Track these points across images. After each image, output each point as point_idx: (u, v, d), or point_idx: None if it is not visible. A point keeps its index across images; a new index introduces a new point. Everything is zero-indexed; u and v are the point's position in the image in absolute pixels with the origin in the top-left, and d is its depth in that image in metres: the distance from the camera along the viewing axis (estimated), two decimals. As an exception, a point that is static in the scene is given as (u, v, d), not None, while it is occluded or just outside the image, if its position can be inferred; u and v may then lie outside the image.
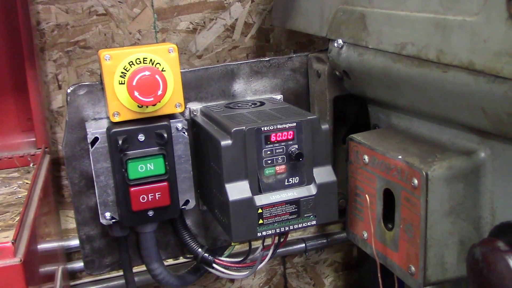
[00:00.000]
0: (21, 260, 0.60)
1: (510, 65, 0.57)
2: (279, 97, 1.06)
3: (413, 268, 0.78)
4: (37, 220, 0.75)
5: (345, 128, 1.12)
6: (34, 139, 1.06)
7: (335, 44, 0.93)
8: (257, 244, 1.00)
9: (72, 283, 1.36)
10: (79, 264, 1.40)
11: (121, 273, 1.40)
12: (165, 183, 0.88)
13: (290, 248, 1.63)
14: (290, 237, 1.67)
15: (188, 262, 1.39)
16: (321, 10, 0.99)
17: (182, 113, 0.95)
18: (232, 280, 1.65)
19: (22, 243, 0.64)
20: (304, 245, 1.64)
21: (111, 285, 1.45)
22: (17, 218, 0.74)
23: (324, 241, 1.67)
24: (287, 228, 0.88)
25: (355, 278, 1.80)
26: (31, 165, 0.99)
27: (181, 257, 1.26)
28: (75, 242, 1.39)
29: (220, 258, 1.00)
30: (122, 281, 1.45)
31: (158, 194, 0.88)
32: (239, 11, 1.46)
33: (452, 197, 0.74)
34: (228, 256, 1.02)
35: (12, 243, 0.61)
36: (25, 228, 0.69)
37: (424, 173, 0.73)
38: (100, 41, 1.35)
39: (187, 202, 0.95)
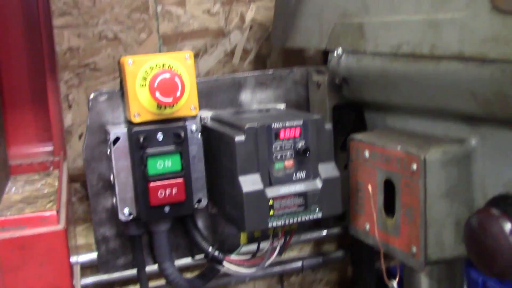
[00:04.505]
0: (64, 227, 0.66)
1: (495, 48, 0.66)
2: (282, 106, 1.14)
3: (414, 249, 0.85)
4: (69, 203, 0.81)
5: (343, 137, 1.20)
6: (51, 148, 1.12)
7: (335, 54, 1.02)
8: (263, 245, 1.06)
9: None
10: (84, 281, 1.44)
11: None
12: (181, 179, 0.95)
13: (288, 266, 1.68)
14: (287, 256, 1.72)
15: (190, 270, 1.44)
16: (320, 25, 1.09)
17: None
18: (232, 294, 1.68)
19: (62, 214, 0.70)
20: (301, 263, 1.69)
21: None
22: (48, 205, 0.79)
23: (320, 259, 1.72)
24: (295, 220, 0.94)
25: (351, 298, 1.84)
26: (50, 169, 1.05)
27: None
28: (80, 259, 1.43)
29: (229, 256, 1.05)
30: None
31: (174, 190, 0.95)
32: (238, 38, 1.56)
33: (448, 180, 0.82)
34: (236, 255, 1.07)
35: (57, 211, 0.66)
36: (61, 204, 0.75)
37: (422, 157, 0.81)
38: (109, 63, 1.44)
39: (199, 200, 1.02)
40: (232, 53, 1.56)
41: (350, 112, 1.17)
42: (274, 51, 1.60)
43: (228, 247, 1.16)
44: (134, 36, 1.45)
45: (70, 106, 1.41)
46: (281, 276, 1.75)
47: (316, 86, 1.13)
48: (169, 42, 1.49)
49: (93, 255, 1.18)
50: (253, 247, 1.07)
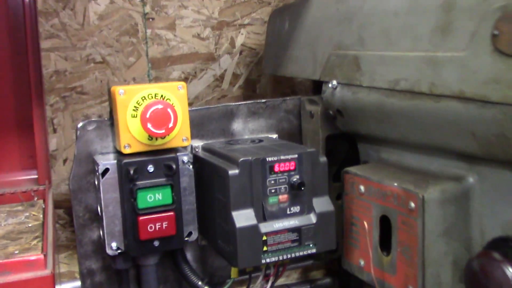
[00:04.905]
0: (51, 272, 0.62)
1: (497, 91, 0.65)
2: (274, 136, 1.12)
3: (411, 289, 0.83)
4: (55, 242, 0.77)
5: (335, 167, 1.18)
6: (36, 176, 1.09)
7: (329, 85, 1.01)
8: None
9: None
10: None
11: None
12: (171, 213, 0.92)
13: (275, 294, 1.65)
14: (274, 283, 1.69)
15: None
16: (314, 56, 1.08)
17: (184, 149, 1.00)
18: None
19: (49, 257, 0.67)
20: (288, 291, 1.66)
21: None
22: (33, 243, 0.76)
23: (308, 287, 1.69)
24: (289, 256, 0.91)
25: (338, 325, 1.81)
26: (35, 199, 1.01)
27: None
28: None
29: (220, 290, 1.03)
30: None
31: (165, 224, 0.92)
32: (228, 63, 1.55)
33: (446, 219, 0.81)
34: (227, 289, 1.04)
35: (44, 255, 0.63)
36: (48, 245, 0.71)
37: (420, 195, 0.80)
38: (96, 87, 1.41)
39: (190, 234, 0.99)
40: (221, 77, 1.55)
41: (343, 142, 1.15)
42: (264, 76, 1.59)
43: (219, 279, 1.14)
44: (122, 59, 1.42)
45: (55, 130, 1.37)
46: (268, 303, 1.71)
47: (309, 116, 1.11)
48: (158, 66, 1.46)
49: (76, 284, 1.13)
50: (244, 277, 1.04)
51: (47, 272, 0.63)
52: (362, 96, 0.93)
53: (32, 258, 0.64)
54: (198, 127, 1.07)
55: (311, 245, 0.93)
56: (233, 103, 1.10)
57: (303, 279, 1.72)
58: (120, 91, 0.90)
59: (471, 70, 0.69)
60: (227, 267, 1.09)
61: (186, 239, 0.98)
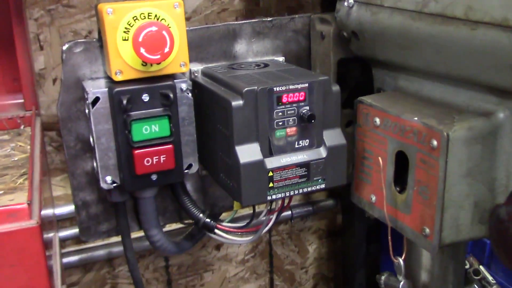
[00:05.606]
0: (37, 222, 0.56)
1: (551, 20, 0.56)
2: (281, 59, 1.03)
3: (427, 230, 0.78)
4: (42, 182, 0.71)
5: (346, 92, 1.10)
6: (22, 100, 1.00)
7: (345, 3, 0.90)
8: (258, 209, 0.99)
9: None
10: (64, 233, 1.37)
11: (104, 242, 1.37)
12: (170, 146, 0.85)
13: (276, 215, 1.62)
14: (276, 205, 1.66)
15: (178, 230, 1.36)
16: (328, -32, 0.95)
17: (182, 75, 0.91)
18: (218, 248, 1.63)
19: (35, 205, 0.60)
20: (290, 212, 1.64)
21: (96, 254, 1.42)
22: (19, 181, 0.69)
23: (310, 208, 1.67)
24: (296, 192, 0.86)
25: (338, 245, 1.82)
26: (21, 127, 0.93)
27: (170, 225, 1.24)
28: (58, 211, 1.35)
29: (222, 223, 0.98)
30: (106, 250, 1.42)
31: (162, 157, 0.85)
32: (229, -28, 1.40)
33: (470, 159, 0.74)
34: (229, 222, 1.00)
35: (28, 204, 0.56)
36: (34, 190, 0.64)
37: (445, 133, 0.72)
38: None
39: (190, 166, 0.92)
40: (222, -12, 1.41)
41: (355, 66, 1.06)
42: (269, -13, 1.45)
43: (220, 209, 1.09)
44: (112, -33, 1.28)
45: (41, 47, 1.26)
46: (269, 224, 1.69)
47: (320, 37, 1.01)
48: (152, -24, 1.32)
49: (72, 207, 1.09)
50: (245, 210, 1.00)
51: (32, 222, 0.56)
52: (382, 18, 0.82)
53: (17, 207, 0.57)
54: (197, 49, 0.97)
55: (320, 181, 0.87)
56: (236, 22, 0.99)
57: (306, 201, 1.70)
58: (108, 10, 0.79)
59: (520, -7, 0.59)
60: (230, 197, 1.04)
61: (186, 171, 0.92)
